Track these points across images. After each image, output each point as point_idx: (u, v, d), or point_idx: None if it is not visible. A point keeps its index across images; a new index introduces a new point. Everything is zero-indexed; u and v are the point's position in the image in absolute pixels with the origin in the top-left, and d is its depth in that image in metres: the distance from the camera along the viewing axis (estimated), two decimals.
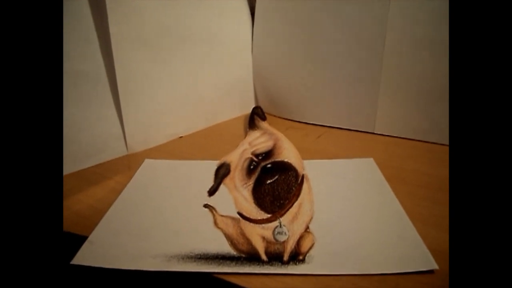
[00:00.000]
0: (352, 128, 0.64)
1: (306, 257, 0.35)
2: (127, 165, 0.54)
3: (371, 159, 0.53)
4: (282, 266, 0.34)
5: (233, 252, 0.36)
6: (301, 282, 0.32)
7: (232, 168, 0.50)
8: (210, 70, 0.65)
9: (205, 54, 0.64)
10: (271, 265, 0.34)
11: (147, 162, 0.54)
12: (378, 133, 0.62)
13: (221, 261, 0.35)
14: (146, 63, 0.56)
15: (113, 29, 0.51)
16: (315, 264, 0.34)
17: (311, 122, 0.68)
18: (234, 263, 0.34)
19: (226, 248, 0.36)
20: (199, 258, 0.35)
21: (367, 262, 0.34)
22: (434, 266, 0.33)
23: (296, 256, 0.35)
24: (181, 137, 0.63)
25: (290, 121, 0.70)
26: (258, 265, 0.34)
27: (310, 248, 0.36)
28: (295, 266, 0.34)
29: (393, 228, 0.38)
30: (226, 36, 0.66)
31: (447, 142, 0.56)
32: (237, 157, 0.52)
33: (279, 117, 0.71)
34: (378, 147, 0.58)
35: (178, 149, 0.60)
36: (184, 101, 0.63)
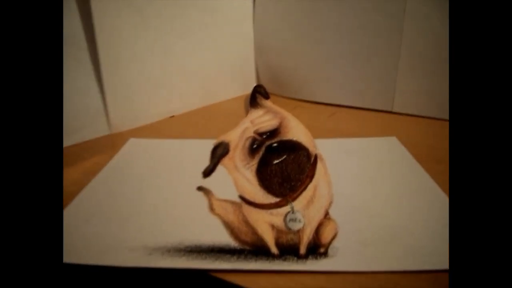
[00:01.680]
0: (367, 107, 0.56)
1: (329, 250, 0.27)
2: (110, 145, 0.46)
3: (394, 138, 0.45)
4: (299, 261, 0.26)
5: (234, 243, 0.28)
6: (325, 281, 0.25)
7: (231, 147, 0.43)
8: (207, 42, 0.57)
9: (203, 24, 0.56)
10: (284, 260, 0.26)
11: (132, 141, 0.46)
12: (397, 111, 0.54)
13: (218, 255, 0.27)
14: (133, 28, 0.48)
15: None
16: (342, 258, 0.26)
17: (321, 101, 0.60)
18: (235, 258, 0.26)
19: (224, 238, 0.28)
20: (190, 251, 0.27)
21: (409, 256, 0.26)
22: None
23: (316, 249, 0.27)
24: (173, 116, 0.55)
25: (297, 101, 0.62)
26: (267, 260, 0.26)
27: (333, 238, 0.28)
28: (316, 261, 0.26)
29: (435, 213, 0.30)
30: (224, 5, 0.58)
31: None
32: (238, 136, 0.44)
33: (285, 97, 0.63)
34: (399, 125, 0.50)
35: (169, 129, 0.52)
36: (177, 75, 0.55)
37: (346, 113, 0.56)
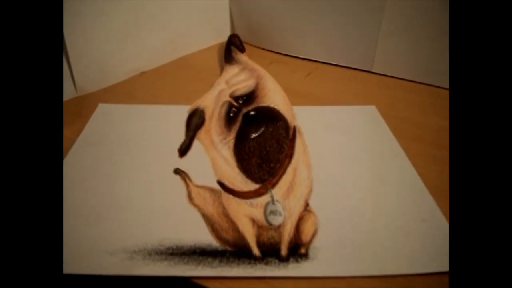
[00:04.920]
0: (346, 65, 0.55)
1: (310, 250, 0.27)
2: (76, 111, 0.44)
3: (373, 107, 0.45)
4: (281, 265, 0.26)
5: (215, 243, 0.28)
6: (307, 286, 0.25)
7: (207, 116, 0.42)
8: None
9: None
10: (266, 263, 0.27)
11: (101, 107, 0.43)
12: (376, 72, 0.53)
13: (200, 258, 0.26)
14: None
15: None
16: (322, 260, 0.27)
17: (299, 56, 0.58)
18: (217, 261, 0.26)
19: (205, 237, 0.28)
20: (171, 254, 0.27)
21: (391, 259, 0.27)
22: None
23: (297, 249, 0.28)
24: (144, 72, 0.52)
25: (273, 54, 0.59)
26: (249, 264, 0.26)
27: (314, 235, 0.29)
28: (297, 264, 0.26)
29: (415, 208, 0.31)
30: None
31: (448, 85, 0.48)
32: (213, 101, 0.43)
33: (260, 48, 0.61)
34: (377, 90, 0.50)
35: (140, 88, 0.49)
36: (145, 28, 0.51)
37: (324, 71, 0.54)
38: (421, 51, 0.49)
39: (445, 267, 0.26)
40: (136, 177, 0.33)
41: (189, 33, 0.57)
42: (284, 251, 0.27)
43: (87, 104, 0.44)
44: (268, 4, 0.57)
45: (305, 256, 0.27)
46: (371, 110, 0.44)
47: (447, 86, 0.48)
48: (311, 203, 0.31)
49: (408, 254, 0.27)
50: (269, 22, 0.59)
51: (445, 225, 0.29)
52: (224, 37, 0.57)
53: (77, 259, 0.26)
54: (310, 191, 0.32)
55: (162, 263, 0.26)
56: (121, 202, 0.31)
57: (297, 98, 0.43)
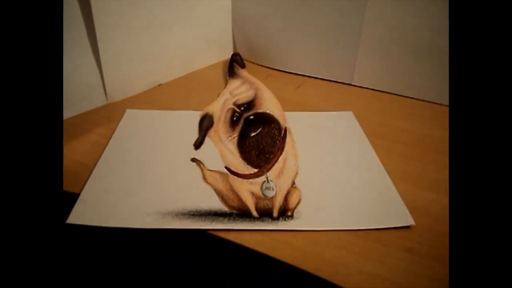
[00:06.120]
0: (330, 79, 0.65)
1: (294, 213, 0.37)
2: (107, 115, 0.53)
3: (350, 112, 0.54)
4: (273, 222, 0.36)
5: (224, 208, 0.37)
6: (291, 238, 0.35)
7: (215, 119, 0.51)
8: (189, 16, 0.63)
9: (184, 0, 0.61)
10: (262, 221, 0.36)
11: (129, 112, 0.53)
12: (356, 85, 0.63)
13: (214, 217, 0.36)
14: (124, 7, 0.53)
15: None
16: (303, 220, 0.36)
17: (291, 71, 0.68)
18: (226, 220, 0.36)
19: (217, 204, 0.38)
20: (193, 215, 0.36)
21: (351, 218, 0.36)
22: (411, 222, 0.36)
23: (285, 212, 0.37)
24: (161, 84, 0.62)
25: (269, 69, 0.69)
26: (249, 221, 0.36)
27: (298, 204, 0.38)
28: (285, 222, 0.36)
29: (374, 185, 0.41)
30: None
31: (424, 97, 0.58)
32: (219, 108, 0.52)
33: (258, 65, 0.71)
34: (356, 99, 0.60)
35: (158, 97, 0.59)
36: (163, 48, 0.61)
37: (311, 84, 0.64)
38: (393, 67, 0.59)
39: (392, 223, 0.35)
40: (163, 164, 0.43)
41: (198, 52, 0.67)
42: (275, 213, 0.37)
43: (116, 110, 0.54)
44: (265, 28, 0.68)
45: (291, 217, 0.37)
46: (348, 115, 0.54)
47: (412, 95, 0.58)
48: (296, 182, 0.41)
49: (366, 214, 0.37)
50: (265, 43, 0.69)
51: (396, 195, 0.39)
52: (227, 55, 0.66)
53: (127, 218, 0.36)
54: (296, 174, 0.42)
55: (186, 220, 0.36)
56: (154, 180, 0.41)
57: (288, 106, 0.51)
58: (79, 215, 0.36)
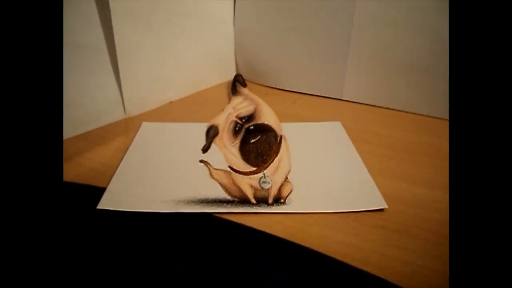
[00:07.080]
0: (322, 95, 0.73)
1: (286, 200, 0.44)
2: (126, 127, 0.61)
3: (339, 122, 0.62)
4: (268, 207, 0.43)
5: (228, 197, 0.45)
6: (283, 218, 0.42)
7: (220, 129, 0.58)
8: (196, 41, 0.72)
9: (192, 27, 0.70)
10: (259, 206, 0.43)
11: (145, 124, 0.61)
12: (346, 99, 0.71)
13: (219, 203, 0.43)
14: (141, 35, 0.62)
15: (112, 4, 0.56)
16: (293, 205, 0.43)
17: (287, 89, 0.76)
18: (230, 205, 0.43)
19: (222, 194, 0.45)
20: (201, 202, 0.43)
21: (333, 203, 0.43)
22: (384, 205, 0.43)
23: (279, 200, 0.44)
24: (172, 101, 0.70)
25: (268, 88, 0.77)
26: (249, 206, 0.43)
27: (289, 193, 0.45)
28: (278, 206, 0.43)
29: (354, 177, 0.48)
30: (210, 11, 0.73)
31: (405, 109, 0.66)
32: (224, 120, 0.59)
33: (258, 84, 0.79)
34: (345, 112, 0.67)
35: (170, 112, 0.67)
36: (174, 69, 0.69)
37: (305, 100, 0.72)
38: (377, 83, 0.67)
39: (369, 206, 0.42)
40: (176, 164, 0.51)
41: (205, 73, 0.76)
42: (270, 200, 0.44)
43: (133, 123, 0.62)
44: (263, 52, 0.76)
45: (283, 203, 0.44)
46: (337, 124, 0.61)
47: (394, 107, 0.66)
48: (289, 178, 0.48)
49: (347, 199, 0.44)
50: (264, 65, 0.77)
51: (373, 185, 0.46)
52: (231, 76, 0.74)
53: (146, 204, 0.43)
54: (289, 171, 0.49)
55: (196, 206, 0.43)
56: (169, 177, 0.48)
57: (285, 118, 0.57)
58: (107, 203, 0.43)
